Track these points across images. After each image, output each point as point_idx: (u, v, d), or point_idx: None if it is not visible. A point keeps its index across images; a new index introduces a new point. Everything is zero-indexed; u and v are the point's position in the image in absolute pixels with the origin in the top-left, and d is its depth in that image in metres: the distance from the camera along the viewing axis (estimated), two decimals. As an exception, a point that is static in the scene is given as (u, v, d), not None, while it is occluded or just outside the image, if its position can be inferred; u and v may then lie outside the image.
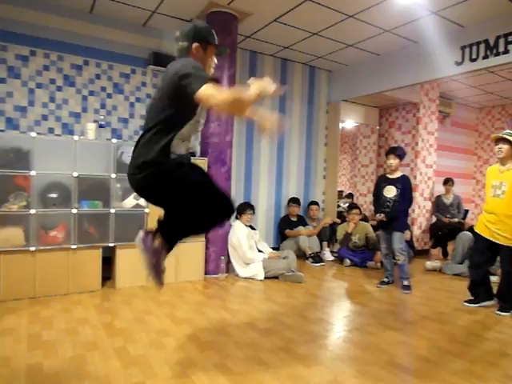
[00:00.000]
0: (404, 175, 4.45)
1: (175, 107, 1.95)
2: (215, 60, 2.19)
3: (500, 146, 3.60)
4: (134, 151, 2.07)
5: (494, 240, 3.57)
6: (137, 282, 4.07)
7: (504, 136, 3.58)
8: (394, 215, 4.28)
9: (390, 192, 4.36)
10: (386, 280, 4.45)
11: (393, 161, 4.37)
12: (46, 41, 4.30)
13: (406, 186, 4.34)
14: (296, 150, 6.29)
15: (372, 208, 6.32)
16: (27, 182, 3.55)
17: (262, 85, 1.77)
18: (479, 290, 3.78)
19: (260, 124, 1.98)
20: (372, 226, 5.81)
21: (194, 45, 2.05)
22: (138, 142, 2.05)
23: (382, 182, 4.50)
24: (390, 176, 4.45)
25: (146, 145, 2.00)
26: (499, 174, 3.64)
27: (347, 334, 3.01)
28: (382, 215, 4.30)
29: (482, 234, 3.69)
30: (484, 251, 3.69)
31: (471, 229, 5.34)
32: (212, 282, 4.36)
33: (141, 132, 2.09)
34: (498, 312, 3.55)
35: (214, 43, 2.13)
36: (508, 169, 3.59)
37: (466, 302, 3.81)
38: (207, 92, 1.75)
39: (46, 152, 3.62)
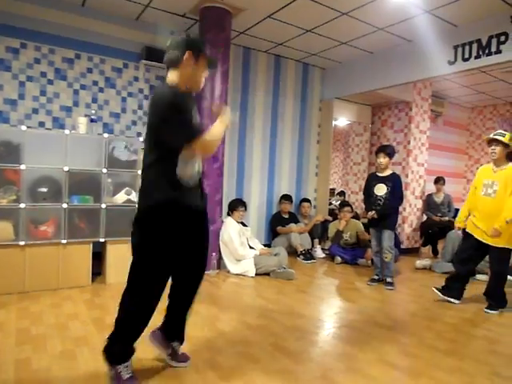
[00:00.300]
0: (394, 173, 4.48)
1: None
2: (206, 72, 2.13)
3: (493, 147, 3.59)
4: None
5: (483, 240, 3.58)
6: (127, 277, 4.04)
7: (496, 137, 3.58)
8: (385, 213, 4.31)
9: (381, 190, 4.38)
10: (376, 277, 4.48)
11: (382, 159, 4.38)
12: (38, 33, 4.26)
13: (396, 184, 4.36)
14: (288, 147, 6.29)
15: (363, 206, 6.36)
16: (17, 176, 3.52)
17: (226, 119, 2.06)
18: (455, 285, 3.80)
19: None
20: (363, 223, 5.84)
21: (187, 53, 2.00)
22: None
23: (373, 180, 4.51)
24: (380, 174, 4.46)
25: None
26: (492, 174, 3.63)
27: (337, 330, 3.03)
28: (374, 213, 4.32)
29: (472, 234, 3.69)
30: (471, 250, 3.71)
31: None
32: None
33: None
34: (486, 310, 3.58)
35: (206, 54, 2.09)
36: (501, 169, 3.58)
37: (436, 288, 3.88)
38: (188, 149, 1.94)
39: (37, 146, 3.58)
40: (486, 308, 3.61)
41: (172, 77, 2.05)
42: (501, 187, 3.51)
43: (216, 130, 2.01)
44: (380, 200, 4.35)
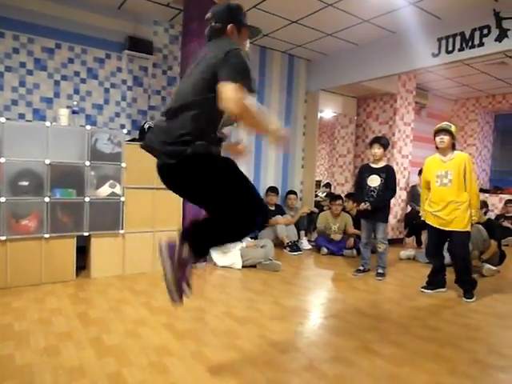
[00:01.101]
0: (388, 165, 4.49)
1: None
2: (248, 43, 2.11)
3: (442, 136, 3.72)
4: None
5: (443, 228, 3.70)
6: (112, 271, 4.01)
7: (445, 127, 3.73)
8: (379, 205, 4.31)
9: (374, 181, 4.37)
10: (361, 268, 4.52)
11: (377, 150, 4.38)
12: (16, 22, 4.14)
13: (389, 176, 4.35)
14: (274, 139, 6.26)
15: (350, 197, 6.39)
16: (-3, 169, 3.44)
17: (277, 127, 1.92)
18: (437, 278, 3.91)
19: (270, 137, 1.98)
20: (349, 213, 5.88)
21: (230, 26, 1.95)
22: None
23: (366, 171, 4.49)
24: (374, 165, 4.45)
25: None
26: (442, 164, 3.75)
27: (323, 320, 3.05)
28: (367, 205, 4.32)
29: (432, 225, 3.81)
30: (437, 240, 3.85)
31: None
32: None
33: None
34: (465, 300, 3.64)
35: (247, 25, 2.05)
36: (450, 158, 3.72)
37: (423, 288, 3.92)
38: (232, 90, 1.71)
39: (17, 138, 3.50)
40: (464, 297, 3.67)
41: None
42: (455, 175, 3.64)
43: (262, 116, 1.87)
44: (373, 191, 4.35)
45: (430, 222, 3.84)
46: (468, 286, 3.70)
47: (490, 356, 2.51)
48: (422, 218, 4.01)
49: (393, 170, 4.46)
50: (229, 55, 1.78)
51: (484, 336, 2.85)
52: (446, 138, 3.70)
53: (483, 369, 2.33)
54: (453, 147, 3.77)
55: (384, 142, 4.45)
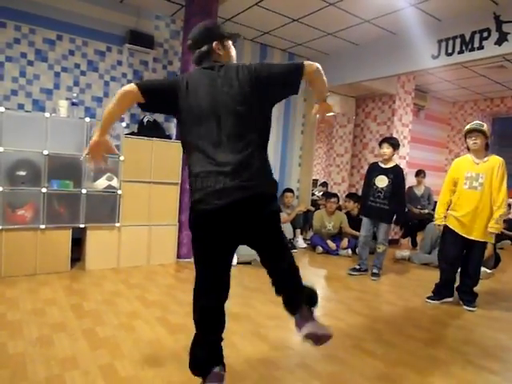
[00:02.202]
0: (397, 165, 4.40)
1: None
2: (234, 51, 2.08)
3: (474, 138, 3.45)
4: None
5: (467, 236, 3.44)
6: (107, 264, 4.02)
7: (477, 127, 3.46)
8: (385, 207, 4.26)
9: (382, 182, 4.31)
10: (357, 267, 4.51)
11: (386, 149, 4.32)
12: (18, 12, 4.12)
13: (398, 177, 4.29)
14: (272, 137, 6.23)
15: (345, 197, 6.41)
16: (-6, 159, 3.43)
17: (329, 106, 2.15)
18: (447, 287, 3.65)
19: (321, 115, 2.16)
20: (350, 213, 5.90)
21: (214, 44, 1.95)
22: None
23: (374, 170, 4.43)
24: (383, 165, 4.39)
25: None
26: (474, 166, 3.48)
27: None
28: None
29: (454, 229, 3.51)
30: (457, 248, 3.52)
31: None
32: (184, 265, 4.34)
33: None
34: (467, 308, 3.48)
35: (228, 35, 2.05)
36: (483, 161, 3.46)
37: (428, 298, 3.66)
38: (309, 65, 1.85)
39: (15, 128, 3.49)
40: (467, 305, 3.50)
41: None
42: (487, 180, 3.38)
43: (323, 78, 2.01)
44: (380, 192, 4.30)
45: (452, 225, 3.54)
46: (473, 296, 3.55)
47: (484, 358, 2.53)
48: (436, 223, 3.68)
49: (402, 171, 4.38)
50: (257, 68, 1.82)
51: (478, 338, 2.87)
52: (479, 138, 3.43)
53: (477, 371, 2.35)
54: (486, 148, 3.52)
55: (393, 142, 4.37)
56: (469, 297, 3.54)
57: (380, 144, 4.44)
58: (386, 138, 4.49)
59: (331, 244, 5.57)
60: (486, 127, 3.47)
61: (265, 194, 1.78)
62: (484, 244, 3.48)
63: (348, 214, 5.93)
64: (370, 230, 4.44)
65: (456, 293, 3.66)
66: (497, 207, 3.32)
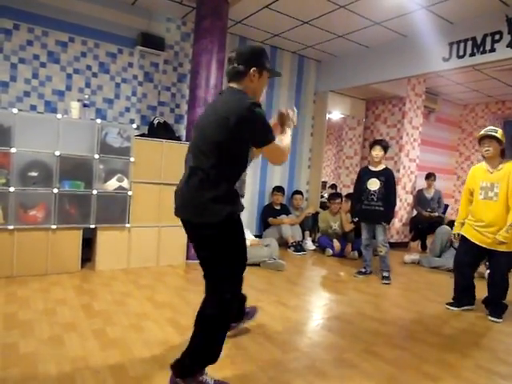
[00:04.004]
0: (387, 168, 4.46)
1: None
2: (267, 84, 2.13)
3: (487, 145, 3.31)
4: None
5: (484, 245, 3.33)
6: (117, 264, 4.04)
7: (490, 133, 3.30)
8: (378, 208, 4.30)
9: (374, 185, 4.36)
10: (363, 270, 4.52)
11: (378, 152, 4.36)
12: (31, 15, 4.18)
13: (388, 179, 4.34)
14: (282, 139, 6.26)
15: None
16: (7, 160, 3.47)
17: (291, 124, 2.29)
18: (464, 295, 3.54)
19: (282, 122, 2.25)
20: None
21: (252, 69, 1.96)
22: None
23: (365, 174, 4.49)
24: (373, 168, 4.45)
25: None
26: (489, 175, 3.36)
27: (326, 321, 3.06)
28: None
29: (470, 238, 3.43)
30: (471, 256, 3.47)
31: (450, 223, 5.47)
32: (193, 267, 4.35)
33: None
34: (492, 318, 3.33)
35: (269, 68, 2.06)
36: (498, 169, 3.32)
37: (448, 304, 3.57)
38: (275, 149, 1.95)
39: (28, 129, 3.53)
40: (491, 316, 3.35)
41: (237, 87, 2.00)
42: (502, 189, 3.25)
43: (287, 140, 2.11)
44: (373, 195, 4.34)
45: (468, 235, 3.45)
46: (497, 308, 3.36)
47: (494, 363, 2.51)
48: (454, 231, 3.65)
49: (392, 173, 4.43)
50: (247, 118, 1.81)
51: (488, 343, 2.85)
52: (492, 145, 3.28)
53: (487, 375, 2.33)
54: (502, 155, 3.35)
55: (385, 145, 4.42)
56: (494, 307, 3.38)
57: (371, 146, 4.45)
58: (378, 141, 4.50)
59: (336, 244, 5.56)
60: (500, 133, 3.31)
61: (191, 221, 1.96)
62: (507, 253, 3.25)
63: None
64: (370, 233, 4.45)
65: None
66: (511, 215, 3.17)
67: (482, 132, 3.38)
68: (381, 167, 4.42)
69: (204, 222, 1.89)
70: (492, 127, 3.41)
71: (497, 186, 3.28)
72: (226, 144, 1.84)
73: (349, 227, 5.65)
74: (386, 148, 4.41)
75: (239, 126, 1.79)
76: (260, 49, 2.09)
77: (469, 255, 3.47)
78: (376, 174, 4.39)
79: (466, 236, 3.48)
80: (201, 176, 1.86)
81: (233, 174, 1.93)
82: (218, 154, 1.85)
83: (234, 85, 1.99)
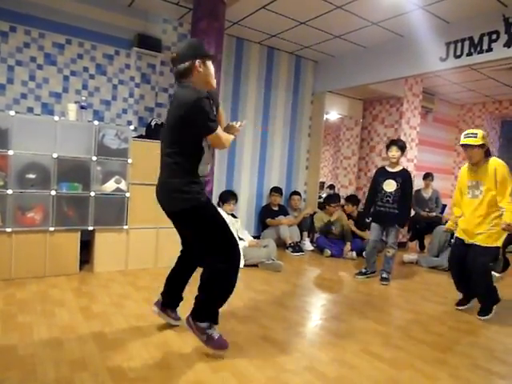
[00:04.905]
0: (404, 169, 4.36)
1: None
2: (212, 68, 2.29)
3: (468, 152, 3.28)
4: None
5: (468, 240, 3.35)
6: (115, 266, 4.04)
7: (468, 143, 3.23)
8: (395, 211, 4.22)
9: (390, 186, 4.26)
10: (363, 271, 4.50)
11: (395, 152, 4.25)
12: (28, 17, 4.17)
13: (406, 181, 4.25)
14: (279, 140, 6.29)
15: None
16: (5, 162, 3.46)
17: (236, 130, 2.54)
18: (467, 290, 3.53)
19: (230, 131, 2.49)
20: (351, 216, 5.89)
21: (197, 62, 2.14)
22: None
23: (382, 175, 4.38)
24: (390, 169, 4.34)
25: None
26: (474, 173, 3.36)
27: (324, 322, 3.06)
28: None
29: (458, 236, 3.47)
30: (458, 251, 3.46)
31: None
32: (191, 268, 4.35)
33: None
34: (478, 316, 3.33)
35: (210, 56, 2.26)
36: (481, 166, 3.29)
37: (457, 305, 3.57)
38: (216, 138, 2.23)
39: (25, 132, 3.53)
40: (478, 314, 3.36)
41: (186, 83, 2.21)
42: (486, 186, 3.25)
43: (228, 137, 2.41)
44: (389, 197, 4.25)
45: (457, 232, 3.51)
46: (485, 303, 3.36)
47: (492, 362, 2.51)
48: (447, 227, 3.74)
49: (409, 174, 4.34)
50: (193, 110, 2.09)
51: (486, 342, 2.85)
52: (474, 152, 3.24)
53: (484, 375, 2.34)
54: (486, 155, 3.28)
55: (402, 145, 4.30)
56: (482, 306, 3.38)
57: (388, 147, 4.36)
58: (395, 141, 4.40)
59: (347, 247, 5.56)
60: (479, 137, 3.21)
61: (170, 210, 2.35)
62: (486, 250, 3.23)
63: (349, 216, 5.90)
64: (380, 235, 4.41)
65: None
66: (508, 202, 3.13)
67: (462, 139, 3.30)
68: (398, 168, 4.33)
69: (173, 210, 2.28)
70: (472, 132, 3.28)
71: (481, 184, 3.27)
72: (183, 137, 2.16)
73: (350, 228, 5.68)
74: (402, 148, 4.29)
75: (189, 118, 2.09)
76: (196, 40, 2.34)
77: (455, 253, 3.52)
78: (393, 176, 4.28)
79: (457, 235, 3.51)
80: (168, 167, 2.25)
81: (193, 163, 2.23)
82: (177, 146, 2.18)
83: (183, 81, 2.20)
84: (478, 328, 3.12)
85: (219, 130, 2.21)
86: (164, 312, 2.67)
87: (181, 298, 2.71)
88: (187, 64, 2.12)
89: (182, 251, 2.71)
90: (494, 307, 3.36)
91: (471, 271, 3.32)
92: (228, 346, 2.33)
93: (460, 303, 3.58)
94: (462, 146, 3.31)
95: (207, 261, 2.33)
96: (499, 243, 3.26)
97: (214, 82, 2.31)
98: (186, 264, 2.66)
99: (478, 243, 3.27)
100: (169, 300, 2.67)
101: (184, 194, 2.19)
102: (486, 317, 3.32)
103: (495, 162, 3.24)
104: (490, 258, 3.34)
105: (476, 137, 3.20)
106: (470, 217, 3.36)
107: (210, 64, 2.23)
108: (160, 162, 2.35)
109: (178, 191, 2.19)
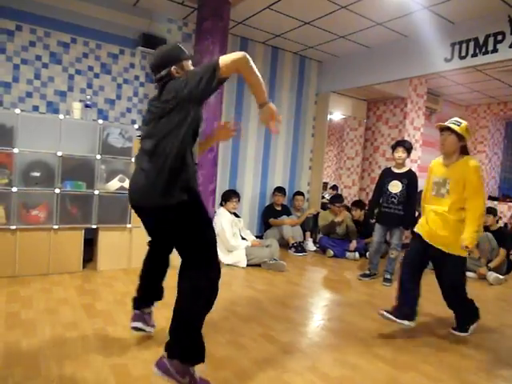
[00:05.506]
0: (411, 170, 4.33)
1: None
2: (191, 67, 2.20)
3: (444, 137, 2.85)
4: None
5: (435, 245, 2.86)
6: (118, 264, 4.05)
7: (449, 125, 2.82)
8: (400, 212, 4.22)
9: (395, 187, 4.25)
10: (368, 272, 4.48)
11: (402, 154, 4.24)
12: (33, 16, 4.20)
13: (411, 182, 4.23)
14: (283, 140, 6.29)
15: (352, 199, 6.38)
16: (9, 160, 3.48)
17: (269, 111, 2.16)
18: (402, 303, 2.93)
19: (263, 116, 2.14)
20: (358, 222, 5.88)
21: (173, 68, 2.07)
22: None
23: (387, 176, 4.36)
24: (396, 170, 4.32)
25: None
26: (442, 169, 2.91)
27: (326, 322, 3.06)
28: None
29: (421, 234, 2.96)
30: (419, 255, 2.96)
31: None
32: (194, 267, 4.35)
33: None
34: (453, 331, 2.96)
35: (186, 57, 2.14)
36: (453, 163, 2.85)
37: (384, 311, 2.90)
38: (225, 60, 1.87)
39: (30, 130, 3.55)
40: (454, 329, 2.97)
41: None
42: (452, 186, 2.80)
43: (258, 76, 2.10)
44: (394, 198, 4.24)
45: (419, 229, 3.02)
46: (459, 320, 2.97)
47: (496, 365, 2.51)
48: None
49: (415, 176, 4.31)
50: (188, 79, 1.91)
51: (491, 345, 2.84)
52: (450, 138, 2.81)
53: (488, 377, 2.33)
54: (463, 151, 2.85)
55: (408, 146, 4.28)
56: (457, 322, 2.98)
57: (394, 148, 4.34)
58: (401, 142, 4.37)
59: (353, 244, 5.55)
60: (463, 127, 2.81)
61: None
62: (458, 260, 2.82)
63: (356, 221, 5.87)
64: (383, 237, 4.40)
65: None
66: (472, 219, 2.71)
67: (444, 123, 2.89)
68: (404, 169, 4.31)
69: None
70: (456, 119, 2.89)
71: (448, 182, 2.83)
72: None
73: (353, 227, 5.67)
74: (409, 149, 4.28)
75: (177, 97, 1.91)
76: (170, 47, 2.19)
77: (419, 252, 2.97)
78: (398, 177, 4.27)
79: (416, 231, 3.04)
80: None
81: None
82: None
83: None
84: (483, 330, 3.10)
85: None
86: (140, 320, 2.44)
87: (161, 290, 2.53)
88: (163, 73, 2.07)
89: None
90: (472, 327, 2.94)
91: (444, 286, 2.95)
92: None
93: (393, 312, 2.87)
94: (441, 130, 2.89)
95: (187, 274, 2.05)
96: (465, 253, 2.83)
97: None
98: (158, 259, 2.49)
99: (443, 249, 2.82)
100: (146, 294, 2.49)
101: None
102: (461, 334, 2.92)
103: (471, 162, 2.78)
104: (460, 269, 2.89)
105: (459, 125, 2.81)
106: (436, 218, 2.87)
107: (187, 64, 2.14)
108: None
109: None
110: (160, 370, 1.88)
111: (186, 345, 1.93)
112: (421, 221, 3.06)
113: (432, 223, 2.88)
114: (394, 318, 2.82)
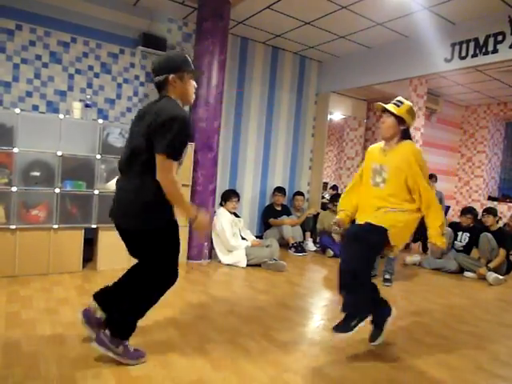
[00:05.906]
0: None
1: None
2: (195, 84, 2.21)
3: (383, 119, 2.57)
4: None
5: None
6: (118, 264, 4.02)
7: (386, 107, 2.54)
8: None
9: None
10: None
11: None
12: (33, 15, 4.19)
13: None
14: (283, 140, 6.29)
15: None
16: (9, 159, 3.48)
17: (201, 223, 2.13)
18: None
19: (195, 226, 2.15)
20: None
21: (171, 77, 2.07)
22: None
23: None
24: None
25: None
26: (381, 155, 2.58)
27: (326, 322, 3.06)
28: None
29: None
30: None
31: (452, 225, 5.48)
32: (194, 267, 4.36)
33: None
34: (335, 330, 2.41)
35: (189, 70, 2.13)
36: (393, 148, 2.54)
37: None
38: (164, 165, 1.96)
39: (30, 129, 3.54)
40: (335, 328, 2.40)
41: (165, 94, 2.14)
42: (391, 174, 2.47)
43: (180, 199, 2.07)
44: None
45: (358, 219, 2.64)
46: (352, 309, 2.45)
47: (495, 365, 2.51)
48: (335, 220, 2.80)
49: None
50: (165, 126, 1.94)
51: (490, 345, 2.84)
52: (389, 121, 2.52)
53: (488, 378, 2.33)
54: (404, 136, 2.55)
55: None
56: (349, 315, 2.44)
57: None
58: None
59: (336, 236, 5.54)
60: (404, 108, 2.52)
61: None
62: (374, 228, 2.40)
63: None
64: None
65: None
66: (434, 214, 2.49)
67: (383, 104, 2.59)
68: None
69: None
70: (399, 98, 2.60)
71: (385, 170, 2.49)
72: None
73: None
74: None
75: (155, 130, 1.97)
76: (176, 55, 2.18)
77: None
78: None
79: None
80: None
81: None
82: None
83: (162, 92, 2.14)
84: (482, 330, 3.11)
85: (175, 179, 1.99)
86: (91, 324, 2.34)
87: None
88: (161, 78, 2.08)
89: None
90: (358, 326, 2.36)
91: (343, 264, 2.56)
92: (145, 354, 2.21)
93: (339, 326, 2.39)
94: (382, 111, 2.59)
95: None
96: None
97: (190, 98, 2.20)
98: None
99: (370, 221, 2.45)
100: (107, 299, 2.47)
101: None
102: (348, 332, 2.35)
103: (413, 148, 2.50)
104: (376, 238, 2.41)
105: (399, 106, 2.52)
106: (368, 208, 2.55)
107: (188, 79, 2.13)
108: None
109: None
110: (99, 343, 2.10)
111: (121, 326, 2.16)
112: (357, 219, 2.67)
113: (367, 217, 2.50)
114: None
